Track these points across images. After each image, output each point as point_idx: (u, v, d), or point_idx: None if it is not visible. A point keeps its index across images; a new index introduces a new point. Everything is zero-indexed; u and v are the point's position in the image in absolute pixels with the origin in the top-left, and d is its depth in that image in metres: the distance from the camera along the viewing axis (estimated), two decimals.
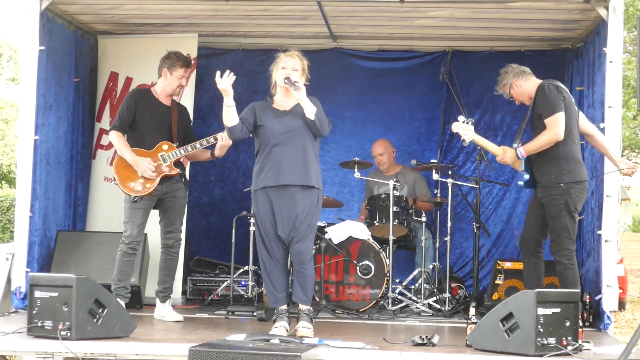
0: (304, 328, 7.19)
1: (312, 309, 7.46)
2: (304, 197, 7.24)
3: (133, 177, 8.01)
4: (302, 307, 7.34)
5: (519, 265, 9.20)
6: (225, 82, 7.21)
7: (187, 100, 9.81)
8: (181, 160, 8.26)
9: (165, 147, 8.05)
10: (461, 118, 7.98)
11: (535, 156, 7.78)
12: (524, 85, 7.96)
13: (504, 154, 7.86)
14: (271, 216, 7.25)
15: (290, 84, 7.19)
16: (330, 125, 7.44)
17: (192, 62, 8.22)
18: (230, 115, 7.22)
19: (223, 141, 7.97)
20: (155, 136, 8.08)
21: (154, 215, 8.29)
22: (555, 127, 7.64)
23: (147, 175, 7.96)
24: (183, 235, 8.95)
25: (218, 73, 7.21)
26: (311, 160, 7.30)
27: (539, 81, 7.95)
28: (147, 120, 8.10)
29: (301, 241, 7.25)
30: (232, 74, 7.21)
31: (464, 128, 7.91)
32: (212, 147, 8.15)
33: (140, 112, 8.10)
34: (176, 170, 8.07)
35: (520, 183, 8.03)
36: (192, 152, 8.13)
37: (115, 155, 8.20)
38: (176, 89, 8.21)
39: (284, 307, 7.36)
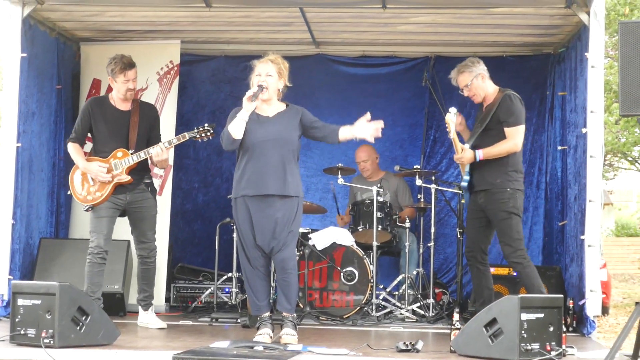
0: (288, 335, 7.17)
1: (296, 315, 7.45)
2: (282, 205, 7.21)
3: (85, 186, 7.99)
4: (285, 315, 7.33)
5: (502, 271, 9.25)
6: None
7: (170, 106, 9.82)
8: (148, 168, 8.21)
9: (119, 154, 7.96)
10: (453, 110, 7.99)
11: (483, 162, 7.85)
12: (486, 84, 8.04)
13: (463, 153, 7.89)
14: (250, 225, 7.24)
15: (255, 97, 7.18)
16: None
17: (132, 62, 8.05)
18: (241, 129, 7.17)
19: (156, 157, 7.88)
20: (111, 144, 8.00)
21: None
22: (516, 138, 7.79)
23: (101, 178, 7.89)
24: (166, 242, 8.96)
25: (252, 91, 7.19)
26: (290, 168, 7.26)
27: (496, 87, 8.04)
28: (102, 129, 8.05)
29: (283, 249, 7.23)
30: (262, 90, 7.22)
31: (452, 121, 7.94)
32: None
33: (94, 121, 8.06)
34: (128, 178, 7.94)
35: (464, 184, 8.04)
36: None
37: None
38: (126, 93, 8.08)
39: (268, 313, 7.35)
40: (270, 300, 7.52)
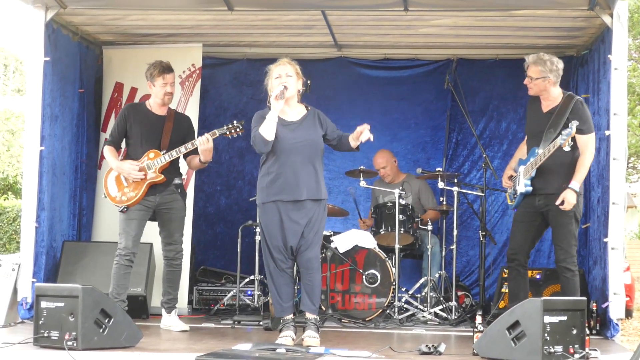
0: (311, 337, 7.18)
1: (318, 318, 7.46)
2: (313, 207, 7.29)
3: (119, 187, 8.05)
4: (308, 315, 7.34)
5: None
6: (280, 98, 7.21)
7: (192, 109, 9.84)
8: (179, 170, 8.26)
9: (151, 155, 8.04)
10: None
11: (548, 165, 7.73)
12: (553, 86, 7.87)
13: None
14: (280, 228, 7.26)
15: (282, 96, 7.22)
16: None
17: (171, 67, 8.20)
18: (273, 130, 7.20)
19: (202, 145, 7.92)
20: (145, 146, 8.09)
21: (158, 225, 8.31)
22: (592, 147, 7.67)
23: (133, 177, 7.96)
24: (188, 245, 8.98)
25: (279, 89, 7.20)
26: (321, 173, 7.38)
27: (560, 90, 7.90)
28: (137, 133, 8.14)
29: (309, 249, 7.29)
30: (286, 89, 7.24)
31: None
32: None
33: (130, 126, 8.16)
34: (161, 177, 8.02)
35: (529, 189, 7.91)
36: (187, 158, 8.17)
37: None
38: (164, 97, 8.17)
39: (290, 316, 7.36)
40: (293, 303, 7.53)
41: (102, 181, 8.35)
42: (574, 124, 7.31)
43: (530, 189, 7.83)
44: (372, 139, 7.48)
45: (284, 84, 7.25)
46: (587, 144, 7.61)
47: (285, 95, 7.23)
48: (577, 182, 7.58)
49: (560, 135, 7.37)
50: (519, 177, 7.99)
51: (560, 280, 7.81)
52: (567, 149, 7.36)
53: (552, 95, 7.85)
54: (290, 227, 7.24)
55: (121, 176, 8.07)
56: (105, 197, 8.21)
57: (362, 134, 7.41)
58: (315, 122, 7.44)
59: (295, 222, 7.23)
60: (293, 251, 7.31)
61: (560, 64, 7.85)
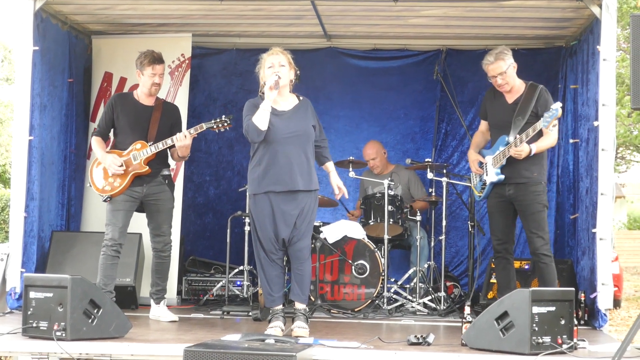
0: (300, 328, 7.20)
1: (307, 308, 7.48)
2: (305, 198, 7.30)
3: (105, 178, 8.05)
4: (298, 306, 7.36)
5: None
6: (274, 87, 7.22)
7: (181, 100, 9.82)
8: (167, 161, 8.26)
9: (138, 146, 8.03)
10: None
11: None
12: (514, 75, 7.96)
13: (522, 146, 7.66)
14: (272, 219, 7.26)
15: (277, 86, 7.21)
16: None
17: (162, 58, 8.18)
18: (266, 119, 7.18)
19: (179, 142, 7.92)
20: (131, 137, 8.07)
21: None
22: (557, 132, 7.76)
23: (112, 170, 7.94)
24: (177, 236, 8.98)
25: (273, 79, 7.21)
26: (312, 162, 7.40)
27: (521, 80, 7.97)
28: (124, 124, 8.12)
29: (301, 240, 7.31)
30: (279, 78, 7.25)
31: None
32: None
33: (117, 116, 8.14)
34: (146, 169, 8.00)
35: (501, 177, 7.94)
36: (170, 150, 8.16)
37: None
38: (151, 87, 8.14)
39: (280, 307, 7.37)
40: (283, 294, 7.54)
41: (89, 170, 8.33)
42: (557, 105, 7.41)
43: (502, 177, 7.87)
44: (345, 195, 7.73)
45: (277, 74, 7.24)
46: (555, 129, 7.68)
47: (279, 85, 7.21)
48: (535, 147, 7.68)
49: (542, 119, 7.43)
50: (487, 167, 8.02)
51: (538, 267, 7.87)
52: (551, 129, 7.52)
53: (516, 86, 7.94)
54: (283, 219, 7.24)
55: (104, 165, 8.05)
56: (90, 186, 8.21)
57: (339, 191, 7.64)
58: (307, 112, 7.44)
59: (288, 213, 7.23)
60: (285, 242, 7.31)
61: (509, 50, 8.00)
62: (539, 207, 7.79)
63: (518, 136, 7.67)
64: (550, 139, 7.77)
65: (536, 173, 7.78)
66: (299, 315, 7.31)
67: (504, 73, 7.85)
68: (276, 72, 7.26)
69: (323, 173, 10.73)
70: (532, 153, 7.68)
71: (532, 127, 7.58)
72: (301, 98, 7.52)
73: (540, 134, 7.67)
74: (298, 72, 7.49)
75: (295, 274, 7.38)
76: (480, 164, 8.16)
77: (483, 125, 8.34)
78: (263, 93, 7.27)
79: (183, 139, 7.90)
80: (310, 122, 7.40)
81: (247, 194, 7.52)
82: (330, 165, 7.67)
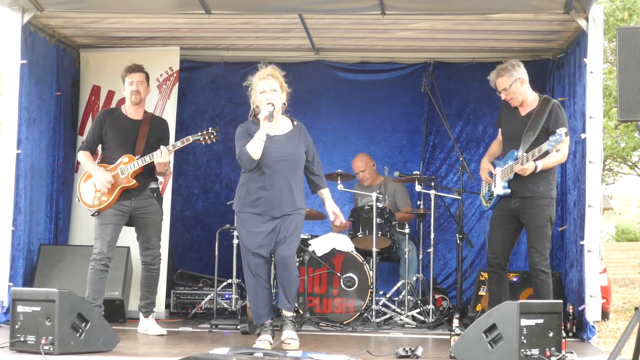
0: (290, 339, 7.21)
1: (295, 315, 7.55)
2: (290, 216, 7.36)
3: (92, 191, 8.02)
4: (285, 313, 7.38)
5: None
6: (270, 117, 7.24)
7: (169, 113, 9.81)
8: (155, 174, 8.24)
9: (125, 160, 8.02)
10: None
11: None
12: (525, 89, 7.94)
13: (528, 164, 7.67)
14: (256, 236, 7.31)
15: (271, 117, 7.24)
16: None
17: (138, 66, 8.20)
18: (260, 149, 7.21)
19: (157, 158, 7.93)
20: (119, 151, 8.07)
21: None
22: (567, 149, 7.76)
23: (98, 186, 7.93)
24: (165, 249, 8.95)
25: (267, 110, 7.23)
26: (299, 187, 7.43)
27: (535, 93, 7.98)
28: (112, 138, 8.12)
29: (285, 246, 7.30)
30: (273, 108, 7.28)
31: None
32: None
33: (105, 132, 8.13)
34: (133, 182, 7.99)
35: (507, 191, 7.95)
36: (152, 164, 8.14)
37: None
38: (131, 96, 8.14)
39: (269, 321, 7.37)
40: (271, 308, 7.54)
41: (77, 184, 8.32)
42: (562, 131, 7.40)
43: (508, 191, 7.88)
44: (342, 220, 7.74)
45: (271, 102, 7.24)
46: (563, 145, 7.66)
47: (273, 115, 7.23)
48: (541, 164, 7.68)
49: (547, 142, 7.44)
50: (496, 179, 8.03)
51: (534, 282, 7.86)
52: (554, 154, 7.53)
53: (529, 99, 7.93)
54: (266, 235, 7.29)
55: (94, 180, 8.03)
56: (79, 200, 8.20)
57: (337, 219, 7.65)
58: (300, 138, 7.47)
59: (272, 231, 7.31)
60: (271, 255, 7.34)
61: (519, 63, 8.01)
62: (542, 221, 7.78)
63: (525, 154, 7.67)
64: (558, 156, 7.74)
65: (542, 188, 7.76)
66: (288, 324, 7.34)
67: (507, 89, 7.87)
68: (269, 100, 7.26)
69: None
70: (537, 170, 7.68)
71: (538, 147, 7.59)
72: (295, 123, 7.56)
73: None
74: (289, 91, 7.50)
75: (281, 282, 7.38)
76: (490, 174, 8.17)
77: (500, 134, 8.36)
78: (255, 117, 7.31)
79: (160, 156, 7.90)
80: (302, 149, 7.44)
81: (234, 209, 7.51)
82: (325, 192, 7.70)
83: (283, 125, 7.47)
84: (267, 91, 7.28)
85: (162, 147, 7.96)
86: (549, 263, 7.85)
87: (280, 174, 7.27)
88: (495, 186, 8.05)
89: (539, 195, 7.77)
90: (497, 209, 8.08)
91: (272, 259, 7.46)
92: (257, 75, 7.41)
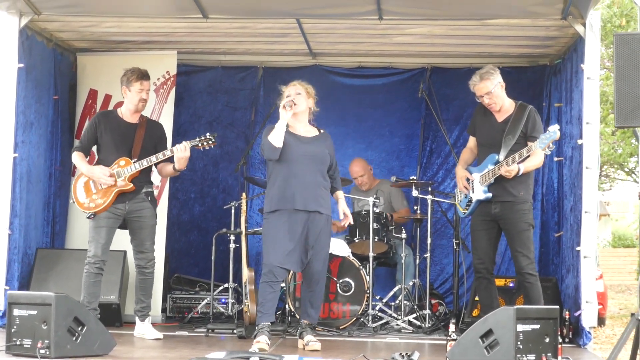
0: (314, 342, 7.48)
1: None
2: (318, 220, 7.59)
3: (88, 194, 8.01)
4: (308, 321, 7.74)
5: (499, 282, 9.21)
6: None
7: (167, 117, 9.82)
8: (150, 178, 8.26)
9: (122, 162, 8.01)
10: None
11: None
12: (504, 93, 7.99)
13: (513, 166, 7.67)
14: (284, 236, 7.50)
15: (289, 107, 7.49)
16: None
17: (149, 74, 8.22)
18: (281, 137, 7.45)
19: (179, 153, 7.93)
20: (115, 154, 8.05)
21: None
22: (543, 154, 7.74)
23: (103, 182, 7.92)
24: (162, 253, 8.95)
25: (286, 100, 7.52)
26: (324, 186, 7.72)
27: (510, 99, 8.01)
28: (108, 141, 8.10)
29: (316, 260, 7.60)
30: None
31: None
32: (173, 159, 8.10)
33: (101, 134, 8.11)
34: (131, 186, 7.98)
35: (488, 195, 7.97)
36: (158, 165, 8.14)
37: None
38: (138, 103, 8.14)
39: (267, 323, 7.41)
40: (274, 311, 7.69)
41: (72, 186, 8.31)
42: (555, 128, 7.44)
43: (490, 195, 7.91)
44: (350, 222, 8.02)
45: (291, 97, 7.56)
46: (540, 150, 7.68)
47: (293, 106, 7.51)
48: (523, 167, 7.72)
49: (539, 140, 7.45)
50: (474, 184, 8.04)
51: (524, 287, 7.89)
52: (547, 152, 7.56)
53: (506, 105, 7.99)
54: (296, 237, 7.50)
55: (90, 183, 8.02)
56: (74, 202, 8.19)
57: (345, 220, 7.94)
58: (325, 144, 7.77)
59: (301, 232, 7.52)
60: (302, 261, 7.58)
61: (496, 68, 8.06)
62: (524, 225, 7.82)
63: (512, 156, 7.68)
64: (537, 159, 7.78)
65: (522, 192, 7.82)
66: (308, 329, 7.67)
67: (490, 93, 7.88)
68: (291, 98, 7.58)
69: None
70: (520, 173, 7.70)
71: (526, 148, 7.62)
72: (322, 131, 7.85)
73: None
74: (316, 99, 7.90)
75: (308, 295, 7.71)
76: (468, 181, 8.18)
77: (471, 141, 8.36)
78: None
79: (183, 150, 7.90)
80: (326, 151, 7.69)
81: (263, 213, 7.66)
82: (340, 194, 7.95)
83: (309, 130, 7.79)
84: (292, 94, 7.62)
85: (183, 142, 7.95)
86: (535, 266, 7.89)
87: (307, 167, 7.52)
88: (473, 191, 8.07)
89: (519, 200, 7.82)
90: (477, 214, 8.11)
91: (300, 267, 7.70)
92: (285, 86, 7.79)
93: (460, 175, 8.30)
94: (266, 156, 7.58)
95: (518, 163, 7.66)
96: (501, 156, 7.80)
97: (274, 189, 7.56)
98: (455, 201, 8.54)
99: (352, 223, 8.02)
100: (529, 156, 7.68)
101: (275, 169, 7.56)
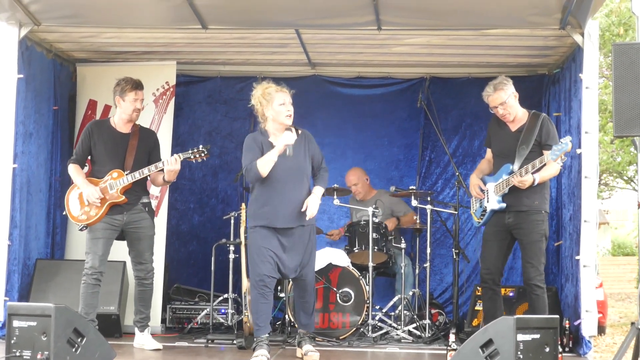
0: (313, 352, 7.51)
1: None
2: (302, 231, 7.61)
3: (81, 206, 8.03)
4: (304, 331, 7.77)
5: None
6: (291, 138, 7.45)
7: (166, 127, 9.82)
8: (146, 188, 8.27)
9: (115, 175, 8.01)
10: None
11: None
12: (517, 103, 8.01)
13: (527, 176, 7.68)
14: (269, 251, 7.50)
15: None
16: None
17: (142, 84, 8.23)
18: (269, 167, 7.42)
19: (170, 166, 7.92)
20: (108, 165, 8.06)
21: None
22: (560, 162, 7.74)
23: (90, 201, 7.92)
24: (161, 264, 8.94)
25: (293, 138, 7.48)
26: (306, 197, 7.64)
27: (524, 109, 8.00)
28: (100, 152, 8.11)
29: (305, 270, 7.68)
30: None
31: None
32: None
33: (94, 144, 8.12)
34: (122, 198, 7.98)
35: (502, 205, 7.96)
36: (151, 175, 8.13)
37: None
38: (132, 113, 8.15)
39: (265, 335, 7.40)
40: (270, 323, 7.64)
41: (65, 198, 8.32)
42: (567, 139, 7.44)
43: (504, 205, 7.89)
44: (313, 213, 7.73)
45: (294, 127, 7.61)
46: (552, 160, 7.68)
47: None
48: (538, 176, 7.71)
49: (551, 151, 7.45)
50: (488, 194, 8.04)
51: (530, 298, 7.87)
52: (559, 163, 7.55)
53: (519, 115, 7.98)
54: (285, 252, 7.55)
55: (83, 195, 8.03)
56: (66, 214, 8.18)
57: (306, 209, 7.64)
58: (305, 148, 7.68)
59: (284, 245, 7.53)
60: (290, 274, 7.62)
61: (508, 78, 8.07)
62: (537, 236, 7.79)
63: (525, 166, 7.68)
64: (553, 168, 7.77)
65: (537, 202, 7.79)
66: (307, 339, 7.70)
67: (505, 103, 7.89)
68: (289, 112, 7.56)
69: (322, 206, 10.83)
70: (536, 183, 7.69)
71: (539, 159, 7.62)
72: (300, 132, 7.73)
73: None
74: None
75: (300, 304, 7.75)
76: (481, 190, 8.17)
77: (489, 153, 8.38)
78: (261, 130, 7.60)
79: (173, 163, 7.90)
80: (307, 159, 7.66)
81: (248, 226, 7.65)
82: (316, 189, 7.77)
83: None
84: (287, 103, 7.55)
85: (175, 155, 7.95)
86: (544, 278, 7.85)
87: (289, 184, 7.50)
88: (488, 201, 8.06)
89: (534, 209, 7.78)
90: (490, 225, 8.09)
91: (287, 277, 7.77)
92: (271, 87, 7.64)
93: (473, 183, 8.31)
94: (249, 180, 7.60)
95: (533, 173, 7.66)
96: (515, 166, 7.80)
97: (257, 205, 7.58)
98: (471, 210, 8.53)
99: (311, 217, 7.73)
100: (543, 166, 7.67)
101: (257, 186, 7.58)
